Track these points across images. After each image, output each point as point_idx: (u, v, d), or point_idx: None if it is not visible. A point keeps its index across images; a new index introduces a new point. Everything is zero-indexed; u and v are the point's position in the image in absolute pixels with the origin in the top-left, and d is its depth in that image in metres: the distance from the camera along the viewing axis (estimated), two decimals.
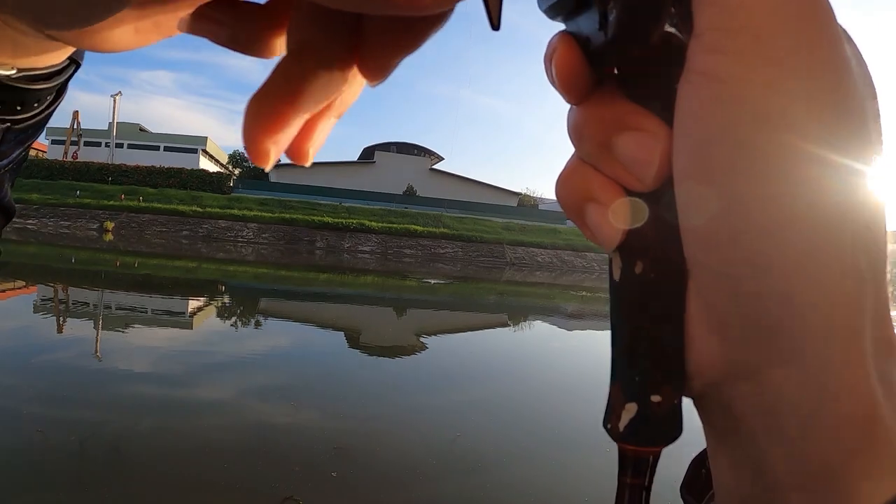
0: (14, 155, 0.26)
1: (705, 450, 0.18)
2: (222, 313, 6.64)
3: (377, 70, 0.16)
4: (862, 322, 0.13)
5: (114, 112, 33.55)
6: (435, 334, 6.58)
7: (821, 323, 0.13)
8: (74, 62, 0.25)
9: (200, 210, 22.56)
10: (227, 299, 7.90)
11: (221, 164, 41.20)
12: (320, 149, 0.17)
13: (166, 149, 36.40)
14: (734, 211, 0.13)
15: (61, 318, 5.27)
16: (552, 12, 0.16)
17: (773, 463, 0.14)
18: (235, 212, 23.01)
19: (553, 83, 0.16)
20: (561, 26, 0.16)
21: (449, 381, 4.32)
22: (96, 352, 4.08)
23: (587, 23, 0.15)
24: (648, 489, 0.17)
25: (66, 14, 0.15)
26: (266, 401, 3.28)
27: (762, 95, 0.13)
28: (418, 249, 22.89)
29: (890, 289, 0.14)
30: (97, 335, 4.61)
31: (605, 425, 0.17)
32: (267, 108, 0.15)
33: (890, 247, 0.15)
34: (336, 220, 23.77)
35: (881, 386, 0.13)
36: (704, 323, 0.15)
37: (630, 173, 0.15)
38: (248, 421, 2.89)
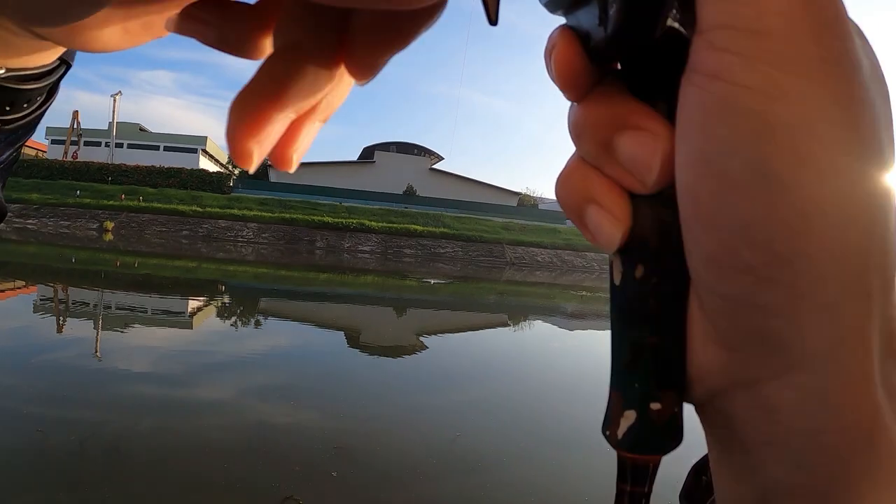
0: (4, 156, 0.26)
1: (704, 457, 0.18)
2: (222, 313, 6.64)
3: (365, 68, 0.16)
4: (869, 334, 0.13)
5: (114, 112, 33.55)
6: (435, 334, 6.58)
7: (825, 336, 0.13)
8: (65, 63, 0.24)
9: (200, 210, 22.56)
10: (226, 299, 7.90)
11: (221, 164, 41.16)
12: (310, 150, 0.16)
13: (166, 148, 36.38)
14: (737, 224, 0.13)
15: (61, 318, 5.27)
16: (552, 6, 0.16)
17: (775, 474, 0.14)
18: (235, 211, 23.01)
19: (552, 79, 0.16)
20: (561, 20, 0.16)
21: (449, 381, 4.32)
22: (96, 352, 4.08)
23: (587, 17, 0.14)
24: (648, 497, 0.16)
25: (55, 12, 0.15)
26: (266, 400, 3.28)
27: (770, 103, 0.12)
28: (418, 249, 22.89)
29: None
30: (97, 335, 4.61)
31: (603, 432, 0.17)
32: (251, 108, 0.14)
33: None
34: (336, 219, 23.77)
35: (886, 396, 0.13)
36: (706, 331, 0.15)
37: (631, 175, 0.15)
38: (248, 421, 2.89)
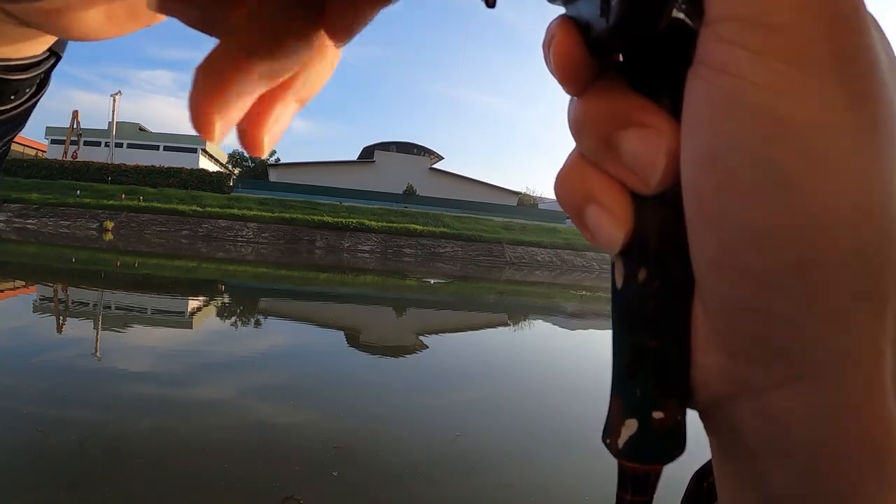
0: None
1: (707, 463, 0.17)
2: (222, 313, 6.64)
3: (344, 29, 0.15)
4: (881, 341, 0.12)
5: (113, 112, 33.55)
6: (435, 334, 6.58)
7: (835, 346, 0.12)
8: (55, 54, 0.24)
9: (200, 210, 22.56)
10: (227, 299, 7.90)
11: (221, 164, 41.16)
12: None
13: (166, 148, 36.37)
14: (744, 227, 0.12)
15: (61, 318, 5.27)
16: None
17: (781, 483, 0.14)
18: (235, 211, 23.02)
19: (551, 71, 0.15)
20: (561, 10, 0.15)
21: (449, 381, 4.32)
22: (96, 351, 4.08)
23: (588, 7, 0.14)
24: None
25: None
26: (266, 400, 3.28)
27: (781, 101, 0.11)
28: (418, 249, 22.89)
29: None
30: (97, 335, 4.61)
31: (604, 440, 0.16)
32: (217, 72, 0.14)
33: None
34: (336, 219, 23.77)
35: None
36: (710, 336, 0.14)
37: (633, 173, 0.14)
38: (248, 421, 2.89)
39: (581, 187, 0.15)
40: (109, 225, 20.02)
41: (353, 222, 23.59)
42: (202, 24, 0.16)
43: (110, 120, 33.96)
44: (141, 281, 8.76)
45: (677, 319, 0.15)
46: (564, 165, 0.16)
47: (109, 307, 6.10)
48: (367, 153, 41.29)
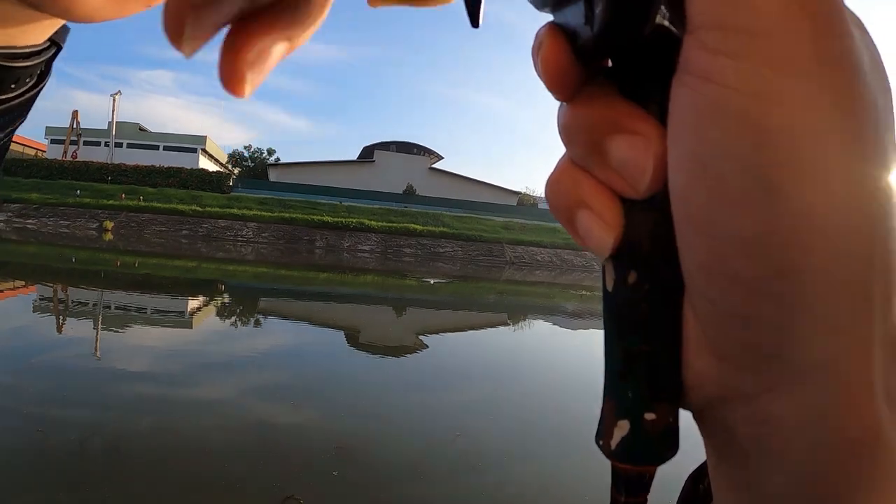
0: None
1: (702, 465, 0.17)
2: (222, 313, 6.64)
3: None
4: (871, 345, 0.12)
5: (113, 111, 33.55)
6: (435, 334, 6.58)
7: (825, 350, 0.12)
8: (55, 44, 0.24)
9: (200, 209, 22.56)
10: (226, 299, 7.90)
11: (221, 164, 41.16)
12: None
13: (166, 148, 36.36)
14: (732, 233, 0.12)
15: (61, 318, 5.27)
16: (539, 2, 0.15)
17: (774, 485, 0.14)
18: (235, 211, 23.01)
19: (540, 78, 0.15)
20: (549, 17, 0.15)
21: (449, 381, 4.32)
22: (96, 351, 4.08)
23: (574, 15, 0.14)
24: None
25: None
26: (266, 400, 3.28)
27: (765, 107, 0.11)
28: (418, 248, 22.89)
29: None
30: (97, 335, 4.61)
31: (597, 442, 0.16)
32: None
33: None
34: (336, 219, 23.77)
35: (890, 407, 0.13)
36: (701, 340, 0.14)
37: (623, 179, 0.14)
38: (248, 421, 2.89)
39: (571, 192, 0.15)
40: (109, 225, 20.02)
41: (352, 222, 23.59)
42: None
43: (110, 120, 33.96)
44: (141, 281, 8.76)
45: (668, 322, 0.15)
46: (554, 171, 0.16)
47: (109, 307, 6.10)
48: (367, 153, 41.29)
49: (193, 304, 7.03)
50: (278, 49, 0.15)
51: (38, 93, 0.25)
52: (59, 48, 0.24)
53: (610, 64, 0.15)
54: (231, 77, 0.14)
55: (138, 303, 6.54)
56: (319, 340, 5.48)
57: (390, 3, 0.16)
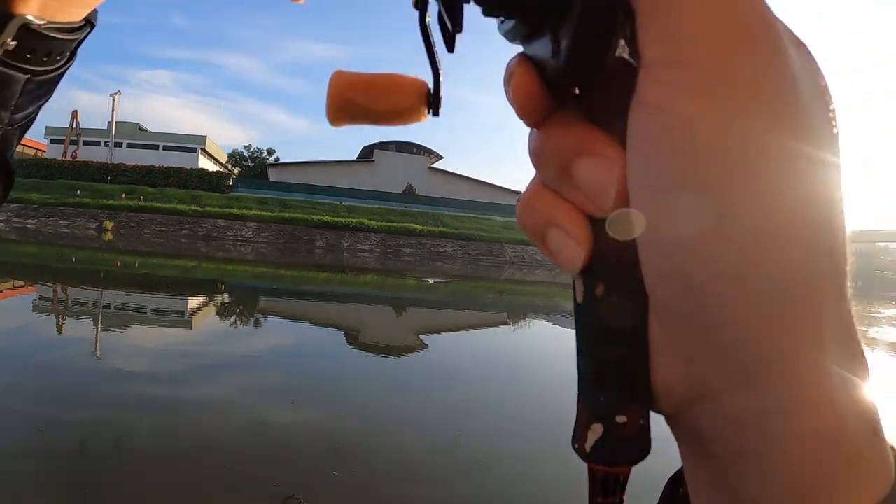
0: (29, 110, 0.27)
1: (681, 468, 0.18)
2: (222, 313, 6.64)
3: None
4: (823, 341, 0.13)
5: (113, 111, 33.55)
6: (435, 333, 6.59)
7: (778, 347, 0.13)
8: (89, 23, 0.26)
9: (200, 209, 22.56)
10: (226, 298, 7.90)
11: (221, 164, 41.16)
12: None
13: (165, 148, 36.35)
14: (687, 246, 0.13)
15: (61, 318, 5.27)
16: (510, 36, 0.16)
17: (744, 483, 0.14)
18: (235, 211, 23.01)
19: (511, 106, 0.16)
20: (520, 48, 0.16)
21: (449, 381, 4.32)
22: (96, 351, 4.08)
23: (542, 47, 0.15)
24: None
25: None
26: (267, 400, 3.28)
27: (710, 132, 0.13)
28: (418, 248, 22.89)
29: (850, 286, 0.15)
30: (97, 335, 4.61)
31: (573, 445, 0.17)
32: None
33: (850, 247, 0.15)
34: (335, 218, 23.77)
35: (846, 397, 0.14)
36: (667, 346, 0.15)
37: (589, 199, 0.15)
38: (248, 420, 2.89)
39: (543, 212, 0.16)
40: (109, 224, 20.02)
41: (352, 222, 23.59)
42: None
43: (110, 119, 33.96)
44: (141, 281, 8.76)
45: (635, 329, 0.16)
46: (525, 192, 0.17)
47: (109, 307, 6.10)
48: (367, 152, 41.28)
49: (193, 303, 7.03)
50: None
51: (66, 72, 0.27)
52: (93, 27, 0.26)
53: (577, 91, 0.16)
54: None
55: (138, 303, 6.54)
56: (319, 340, 5.47)
57: (354, 122, 0.17)
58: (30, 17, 0.23)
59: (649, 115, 0.13)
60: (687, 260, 0.13)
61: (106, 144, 33.69)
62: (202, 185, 27.90)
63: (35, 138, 35.47)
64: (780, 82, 0.13)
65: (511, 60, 0.16)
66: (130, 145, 35.89)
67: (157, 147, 36.38)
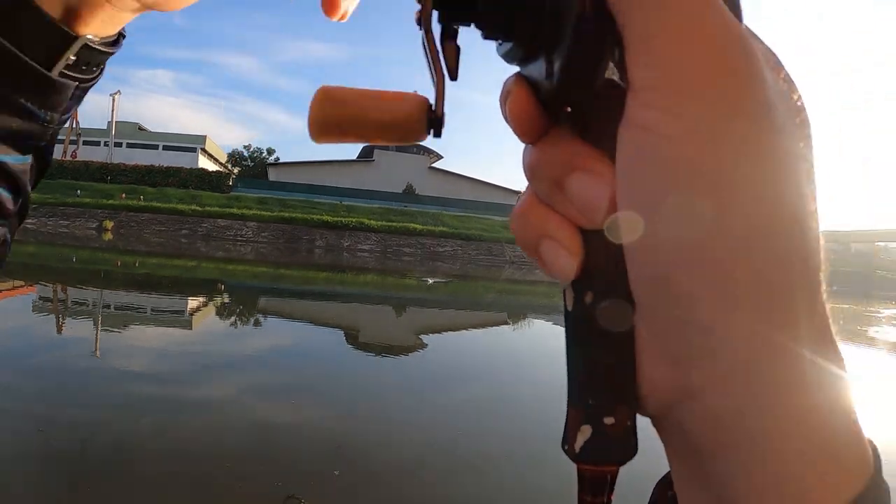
0: (70, 112, 0.31)
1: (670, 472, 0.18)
2: (222, 312, 6.64)
3: None
4: (797, 338, 0.14)
5: (112, 111, 33.54)
6: (435, 333, 6.59)
7: (754, 346, 0.14)
8: (121, 35, 0.29)
9: (200, 209, 22.55)
10: (226, 298, 7.90)
11: (220, 163, 41.16)
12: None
13: (165, 148, 36.38)
14: (672, 255, 0.14)
15: (61, 318, 5.26)
16: (508, 58, 0.17)
17: (728, 481, 0.15)
18: (235, 210, 23.00)
19: (508, 124, 0.17)
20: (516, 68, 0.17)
21: (449, 380, 4.32)
22: (96, 351, 4.08)
23: (536, 69, 0.16)
24: None
25: None
26: (267, 399, 3.28)
27: (694, 151, 0.14)
28: (417, 248, 22.90)
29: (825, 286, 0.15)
30: (97, 335, 4.60)
31: (563, 447, 0.18)
32: None
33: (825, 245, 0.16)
34: (335, 218, 23.76)
35: (823, 393, 0.14)
36: (651, 348, 0.16)
37: (581, 212, 0.16)
38: (249, 419, 2.89)
39: (536, 225, 0.17)
40: (109, 224, 20.02)
41: (352, 221, 23.59)
42: None
43: (109, 119, 33.95)
44: (140, 280, 8.76)
45: (621, 334, 0.16)
46: (520, 205, 0.18)
47: (109, 307, 6.10)
48: (367, 152, 41.27)
49: (193, 303, 7.03)
50: None
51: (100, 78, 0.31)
52: (124, 37, 0.29)
53: (570, 110, 0.17)
54: (330, 7, 0.18)
55: (138, 302, 6.53)
56: (319, 340, 5.47)
57: (343, 137, 0.18)
58: (90, 37, 0.27)
59: (637, 135, 0.14)
60: (671, 267, 0.14)
61: (106, 144, 33.68)
62: (202, 185, 27.89)
63: None
64: (755, 106, 0.14)
65: (508, 79, 0.17)
66: (130, 145, 35.90)
67: (156, 147, 36.40)
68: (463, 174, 40.75)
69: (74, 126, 32.64)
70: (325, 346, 5.15)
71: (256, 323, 6.18)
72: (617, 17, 0.14)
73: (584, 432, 0.17)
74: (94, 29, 0.26)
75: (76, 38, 0.26)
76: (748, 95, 0.14)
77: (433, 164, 41.25)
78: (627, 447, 0.17)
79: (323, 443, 2.66)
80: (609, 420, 0.16)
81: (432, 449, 2.74)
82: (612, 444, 0.17)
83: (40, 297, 6.39)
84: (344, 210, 26.32)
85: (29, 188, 0.32)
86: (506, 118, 0.17)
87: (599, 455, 0.17)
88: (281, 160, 42.34)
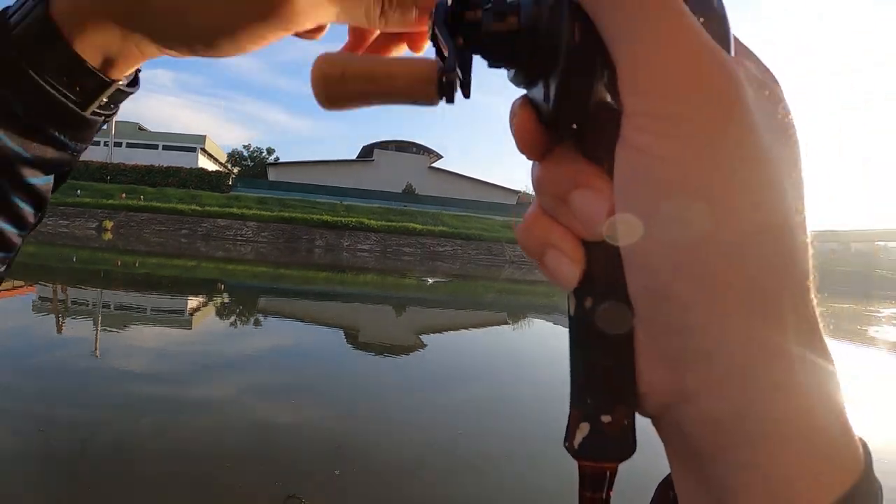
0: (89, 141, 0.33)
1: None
2: (222, 312, 6.64)
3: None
4: (787, 343, 0.15)
5: None
6: (435, 333, 6.59)
7: (747, 351, 0.15)
8: (137, 71, 0.32)
9: (199, 209, 22.54)
10: (226, 298, 7.90)
11: (220, 163, 41.16)
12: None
13: (165, 147, 36.37)
14: (667, 264, 0.15)
15: (61, 318, 5.26)
16: (514, 82, 0.19)
17: (726, 481, 0.15)
18: (234, 210, 23.00)
19: (515, 143, 0.18)
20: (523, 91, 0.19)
21: (450, 380, 4.32)
22: (96, 351, 4.08)
23: (537, 93, 0.17)
24: (606, 502, 0.18)
25: (213, 37, 0.26)
26: (267, 399, 3.28)
27: (685, 172, 0.15)
28: (417, 248, 22.90)
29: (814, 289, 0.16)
30: (97, 334, 4.60)
31: (564, 444, 0.18)
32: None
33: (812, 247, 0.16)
34: (335, 218, 23.76)
35: (814, 393, 0.15)
36: (651, 353, 0.17)
37: (583, 225, 0.17)
38: (250, 420, 2.89)
39: (541, 235, 0.19)
40: (109, 224, 20.01)
41: (352, 221, 23.58)
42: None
43: None
44: (140, 280, 8.76)
45: (620, 338, 0.17)
46: (527, 217, 0.19)
47: (109, 307, 6.10)
48: (366, 152, 41.27)
49: (193, 303, 7.03)
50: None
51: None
52: (139, 71, 0.32)
53: (575, 128, 0.18)
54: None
55: (138, 302, 6.53)
56: (319, 340, 5.47)
57: (351, 102, 0.20)
58: (121, 83, 0.30)
59: (632, 155, 0.16)
60: (667, 274, 0.15)
61: (105, 144, 33.65)
62: (202, 185, 27.88)
63: None
64: (739, 128, 0.15)
65: (515, 101, 0.18)
66: (130, 145, 35.89)
67: (156, 147, 36.39)
68: (463, 174, 40.75)
69: None
70: (325, 346, 5.15)
71: (256, 323, 6.18)
72: (607, 45, 0.16)
73: (583, 430, 0.18)
74: (122, 73, 0.30)
75: (111, 83, 0.29)
76: (734, 117, 0.15)
77: (433, 164, 41.24)
78: (625, 445, 0.18)
79: (323, 443, 2.66)
80: (606, 418, 0.17)
81: (432, 449, 2.74)
82: (609, 442, 0.17)
83: (40, 297, 6.38)
84: (343, 210, 26.33)
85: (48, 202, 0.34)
86: (513, 135, 0.18)
87: (597, 452, 0.18)
88: (281, 160, 42.33)
